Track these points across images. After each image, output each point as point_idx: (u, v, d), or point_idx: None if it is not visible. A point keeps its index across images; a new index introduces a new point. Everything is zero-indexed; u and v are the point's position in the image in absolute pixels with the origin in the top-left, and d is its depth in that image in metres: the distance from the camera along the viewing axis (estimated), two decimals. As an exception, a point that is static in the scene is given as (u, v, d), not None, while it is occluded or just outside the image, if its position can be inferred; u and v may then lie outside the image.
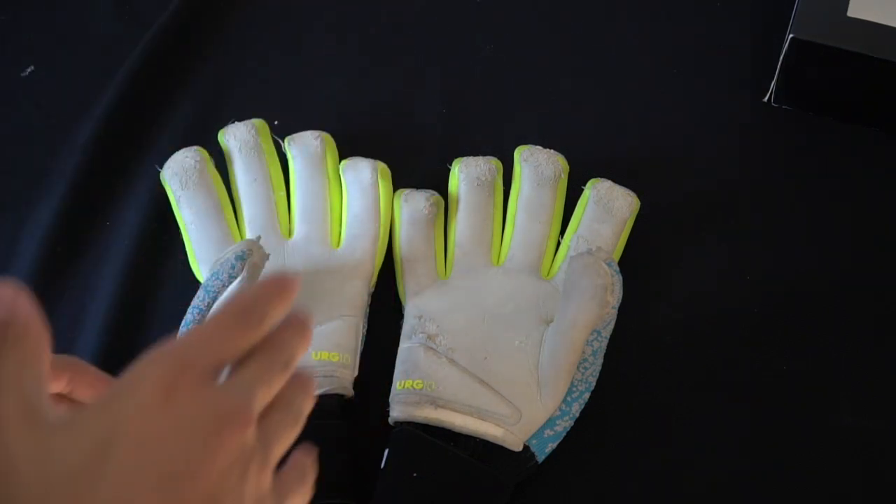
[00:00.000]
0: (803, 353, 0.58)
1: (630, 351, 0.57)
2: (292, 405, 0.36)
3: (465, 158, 0.62)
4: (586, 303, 0.53)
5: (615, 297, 0.54)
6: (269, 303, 0.35)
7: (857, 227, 0.62)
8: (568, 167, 0.62)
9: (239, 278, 0.53)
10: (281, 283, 0.35)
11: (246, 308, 0.34)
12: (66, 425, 0.30)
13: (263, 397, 0.34)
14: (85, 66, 0.70)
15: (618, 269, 0.54)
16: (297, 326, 0.36)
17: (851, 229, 0.62)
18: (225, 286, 0.53)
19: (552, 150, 0.62)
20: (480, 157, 0.62)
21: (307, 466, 0.38)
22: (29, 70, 0.70)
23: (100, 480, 0.29)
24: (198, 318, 0.53)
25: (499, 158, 0.62)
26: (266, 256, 0.54)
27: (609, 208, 0.60)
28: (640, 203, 0.61)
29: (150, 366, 0.32)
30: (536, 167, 0.61)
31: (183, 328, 0.54)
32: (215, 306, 0.54)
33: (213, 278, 0.53)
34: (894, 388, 0.57)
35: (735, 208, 0.63)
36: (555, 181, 0.61)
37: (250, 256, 0.53)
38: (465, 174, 0.61)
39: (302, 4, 0.73)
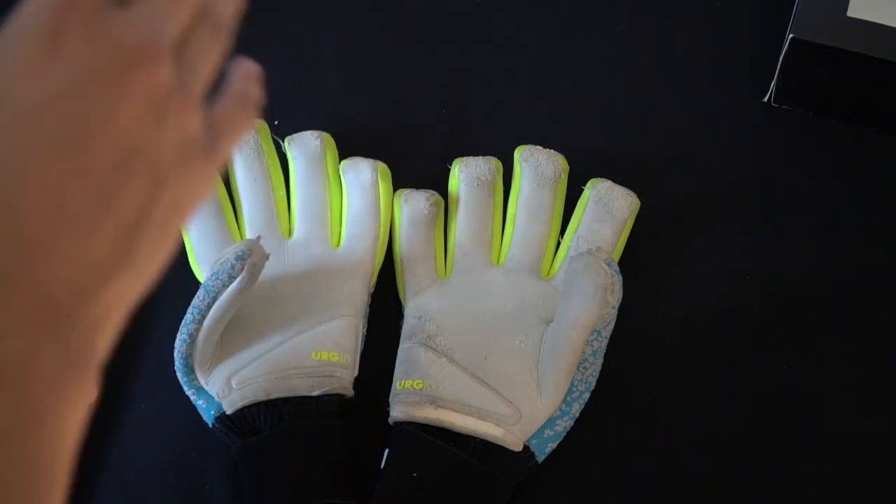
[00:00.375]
0: (803, 353, 0.58)
1: (630, 351, 0.57)
2: (211, 15, 0.30)
3: (464, 158, 0.62)
4: (586, 303, 0.53)
5: (615, 297, 0.54)
6: None
7: (858, 227, 0.62)
8: (568, 167, 0.62)
9: (239, 278, 0.53)
10: None
11: None
12: None
13: (174, 21, 0.29)
14: (84, 65, 0.70)
15: (618, 269, 0.54)
16: None
17: (852, 229, 0.62)
18: (225, 286, 0.53)
19: (552, 150, 0.62)
20: (480, 157, 0.62)
21: (249, 89, 0.32)
22: (28, 70, 0.70)
23: None
24: (198, 318, 0.53)
25: (499, 158, 0.62)
26: (266, 256, 0.54)
27: (609, 208, 0.59)
28: (640, 203, 0.60)
29: (32, 9, 0.26)
30: (536, 167, 0.61)
31: (183, 329, 0.54)
32: (215, 306, 0.53)
33: (213, 278, 0.53)
34: (894, 388, 0.57)
35: (735, 208, 0.63)
36: (555, 181, 0.61)
37: (250, 256, 0.53)
38: (464, 174, 0.61)
39: (302, 4, 0.73)
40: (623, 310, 0.55)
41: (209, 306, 0.53)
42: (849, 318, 0.59)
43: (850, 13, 0.62)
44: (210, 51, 0.30)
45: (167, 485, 0.55)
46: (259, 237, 0.55)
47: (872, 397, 0.56)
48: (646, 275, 0.60)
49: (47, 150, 0.25)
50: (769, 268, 0.61)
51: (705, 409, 0.56)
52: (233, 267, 0.53)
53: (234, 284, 0.53)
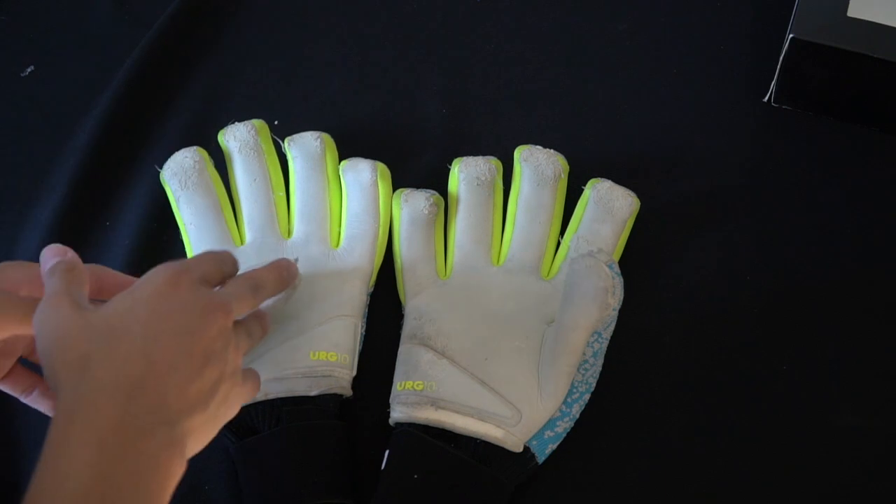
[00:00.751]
0: (803, 353, 0.58)
1: (630, 351, 0.57)
2: (252, 328, 0.49)
3: (464, 158, 0.62)
4: (587, 305, 0.53)
5: (616, 299, 0.53)
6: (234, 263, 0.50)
7: (857, 227, 0.62)
8: (568, 167, 0.62)
9: (277, 298, 0.54)
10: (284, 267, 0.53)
11: (223, 258, 0.49)
12: (103, 307, 0.44)
13: (237, 305, 0.47)
14: (85, 66, 0.70)
15: (619, 271, 0.54)
16: (271, 268, 0.52)
17: (851, 229, 0.62)
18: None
19: (552, 150, 0.62)
20: (480, 157, 0.62)
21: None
22: (29, 70, 0.70)
23: (129, 325, 0.42)
24: None
25: (498, 158, 0.62)
26: (300, 279, 0.56)
27: (609, 208, 0.59)
28: (639, 203, 0.60)
29: (160, 269, 0.45)
30: (536, 167, 0.61)
31: None
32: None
33: None
34: (894, 388, 0.57)
35: (735, 208, 0.63)
36: (555, 181, 0.61)
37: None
38: (464, 174, 0.61)
39: (302, 5, 0.73)
40: (623, 310, 0.55)
41: None
42: (849, 317, 0.59)
43: (850, 13, 0.62)
44: (248, 339, 0.49)
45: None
46: (297, 259, 0.55)
47: (872, 397, 0.56)
48: (645, 275, 0.60)
49: (170, 334, 0.43)
50: (769, 268, 0.61)
51: (705, 408, 0.56)
52: None
53: (271, 303, 0.54)
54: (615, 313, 0.54)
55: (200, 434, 0.44)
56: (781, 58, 0.63)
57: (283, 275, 0.53)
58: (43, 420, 0.50)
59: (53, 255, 0.47)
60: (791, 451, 0.55)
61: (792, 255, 0.61)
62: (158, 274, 0.45)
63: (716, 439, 0.55)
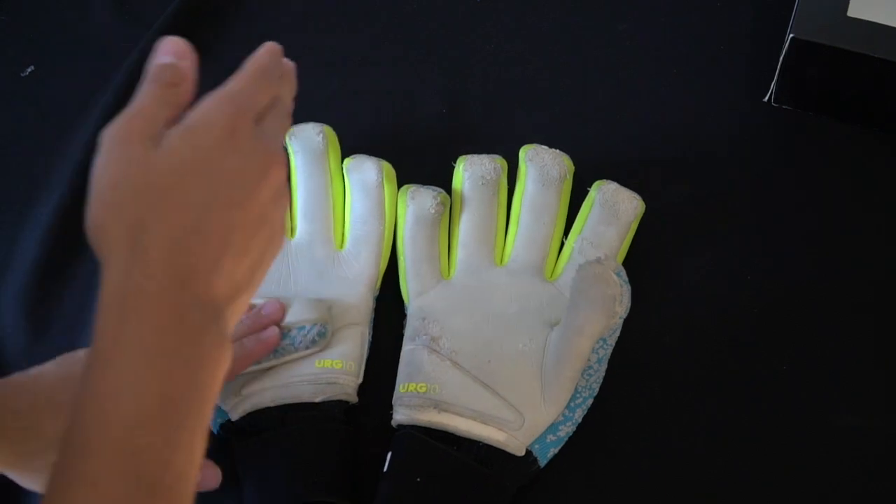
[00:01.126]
0: (803, 353, 0.58)
1: (630, 351, 0.57)
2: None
3: (469, 156, 0.61)
4: (594, 313, 0.53)
5: (623, 307, 0.53)
6: (274, 63, 0.45)
7: (858, 227, 0.62)
8: (573, 167, 0.61)
9: (313, 349, 0.56)
10: (276, 51, 0.45)
11: (263, 66, 0.44)
12: (165, 149, 0.39)
13: (285, 131, 0.45)
14: (85, 66, 0.70)
15: (626, 278, 0.54)
16: (288, 77, 0.46)
17: (852, 229, 0.62)
18: (297, 351, 0.56)
19: (558, 150, 0.61)
20: (485, 156, 0.61)
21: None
22: (29, 70, 0.70)
23: (187, 187, 0.38)
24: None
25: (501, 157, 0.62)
26: (332, 328, 0.57)
27: (614, 211, 0.59)
28: (645, 206, 0.60)
29: (216, 109, 0.40)
30: (542, 167, 0.60)
31: None
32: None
33: (286, 341, 0.56)
34: (894, 388, 0.57)
35: (735, 208, 0.63)
36: (560, 181, 0.60)
37: (328, 332, 0.56)
38: (469, 172, 0.61)
39: (302, 4, 0.73)
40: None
41: (269, 360, 0.55)
42: (848, 318, 0.59)
43: (850, 13, 0.62)
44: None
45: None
46: (330, 307, 0.57)
47: (872, 397, 0.57)
48: (646, 275, 0.60)
49: (224, 204, 0.39)
50: (769, 268, 0.61)
51: (705, 408, 0.56)
52: (314, 342, 0.55)
53: (307, 352, 0.55)
54: (621, 321, 0.54)
55: (240, 311, 0.41)
56: (781, 58, 0.63)
57: (289, 77, 0.46)
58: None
59: (167, 51, 0.42)
60: (791, 451, 0.55)
61: (792, 255, 0.61)
62: (217, 113, 0.40)
63: (716, 439, 0.56)
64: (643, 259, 0.60)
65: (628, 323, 0.56)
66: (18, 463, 0.47)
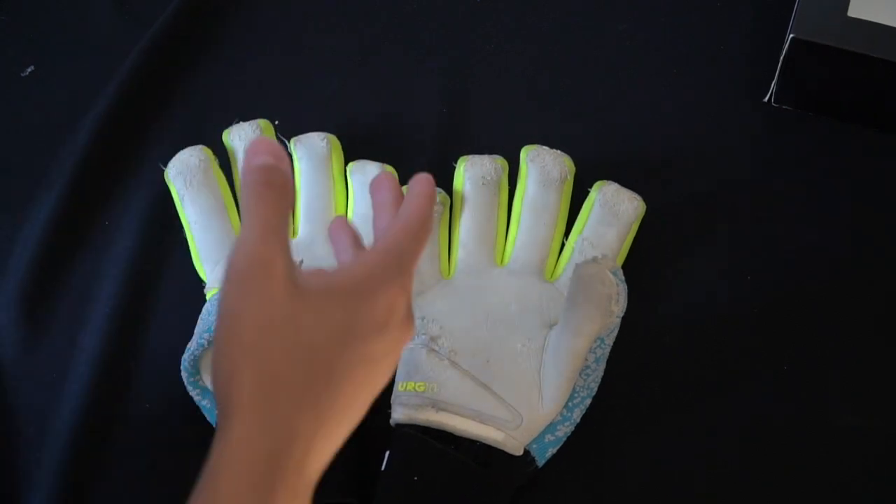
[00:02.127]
0: (803, 352, 0.58)
1: (630, 351, 0.57)
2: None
3: (470, 157, 0.61)
4: (591, 312, 0.53)
5: (620, 306, 0.53)
6: (430, 216, 0.41)
7: (858, 227, 0.62)
8: (574, 168, 0.61)
9: None
10: (433, 192, 0.42)
11: (425, 226, 0.41)
12: (316, 305, 0.36)
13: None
14: (85, 66, 0.70)
15: (623, 278, 0.54)
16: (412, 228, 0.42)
17: (852, 229, 0.62)
18: None
19: (559, 151, 0.61)
20: (486, 156, 0.61)
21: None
22: (29, 70, 0.70)
23: (333, 360, 0.36)
24: None
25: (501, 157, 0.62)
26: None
27: (615, 212, 0.59)
28: (646, 207, 0.60)
29: (384, 280, 0.38)
30: (543, 168, 0.60)
31: (204, 335, 0.54)
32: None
33: None
34: (894, 388, 0.57)
35: (735, 208, 0.63)
36: (560, 182, 0.60)
37: None
38: (470, 173, 0.61)
39: (302, 4, 0.73)
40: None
41: None
42: (848, 318, 0.59)
43: (851, 13, 0.62)
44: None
45: (170, 485, 0.55)
46: (301, 261, 0.55)
47: (872, 397, 0.56)
48: (645, 275, 0.60)
49: (364, 383, 0.37)
50: (769, 268, 0.61)
51: (706, 409, 0.56)
52: None
53: None
54: (618, 320, 0.54)
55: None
56: (781, 58, 0.63)
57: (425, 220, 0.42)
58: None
59: (262, 151, 0.37)
60: (791, 451, 0.55)
61: (792, 254, 0.61)
62: (380, 288, 0.38)
63: (715, 439, 0.56)
64: (643, 259, 0.60)
65: (628, 323, 0.56)
66: None
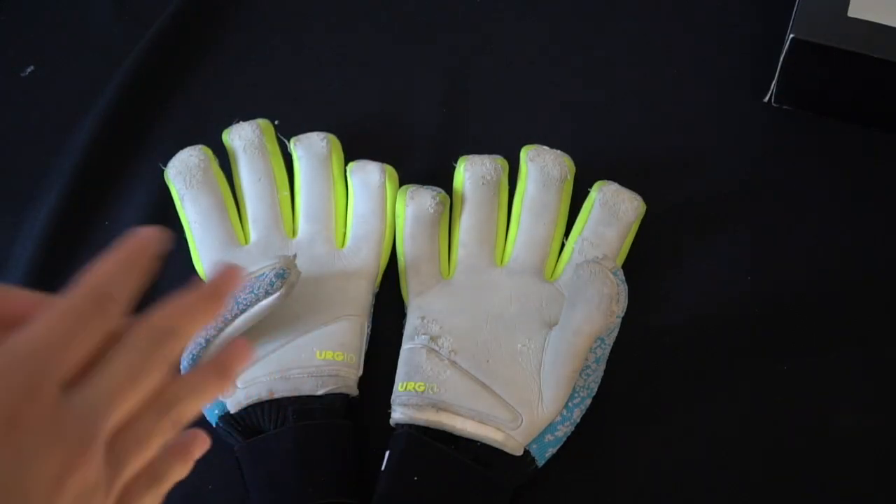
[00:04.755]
0: (804, 352, 0.58)
1: (630, 351, 0.57)
2: (163, 402, 0.31)
3: (470, 157, 0.61)
4: (591, 312, 0.53)
5: (620, 306, 0.53)
6: (125, 281, 0.31)
7: (858, 227, 0.62)
8: (574, 168, 0.61)
9: (276, 294, 0.53)
10: (135, 256, 0.32)
11: (103, 291, 0.30)
12: None
13: (119, 407, 0.30)
14: (85, 66, 0.70)
15: (623, 278, 0.54)
16: (176, 314, 0.32)
17: (852, 229, 0.62)
18: (259, 300, 0.53)
19: (559, 151, 0.61)
20: (486, 156, 0.61)
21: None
22: (29, 70, 0.70)
23: None
24: (220, 326, 0.54)
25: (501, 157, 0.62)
26: (299, 274, 0.55)
27: (615, 212, 0.59)
28: (646, 207, 0.60)
29: (2, 380, 0.28)
30: (543, 168, 0.60)
31: (199, 334, 0.54)
32: (243, 317, 0.53)
33: (247, 292, 0.54)
34: (893, 389, 0.57)
35: (735, 208, 0.63)
36: (561, 182, 0.60)
37: (289, 275, 0.54)
38: (470, 172, 0.61)
39: (302, 5, 0.73)
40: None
41: (236, 317, 0.54)
42: (849, 317, 0.59)
43: (851, 13, 0.62)
44: (149, 437, 0.31)
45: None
46: (295, 255, 0.55)
47: (872, 397, 0.56)
48: (645, 275, 0.60)
49: None
50: (769, 268, 0.61)
51: (705, 409, 0.56)
52: (272, 284, 0.53)
53: (270, 300, 0.53)
54: (619, 320, 0.54)
55: None
56: (781, 58, 0.63)
57: (198, 314, 0.33)
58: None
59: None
60: (791, 451, 0.55)
61: (792, 255, 0.61)
62: (6, 390, 0.28)
63: (715, 439, 0.55)
64: (643, 259, 0.60)
65: (628, 323, 0.56)
66: None
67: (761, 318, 0.59)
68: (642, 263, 0.60)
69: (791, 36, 0.61)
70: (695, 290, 0.60)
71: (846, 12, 0.62)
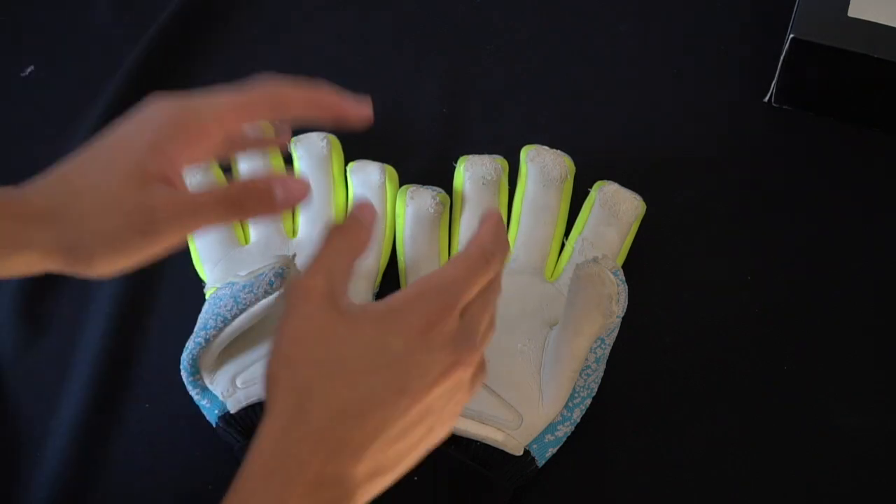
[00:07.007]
0: (803, 353, 0.58)
1: (630, 351, 0.57)
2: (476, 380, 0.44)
3: (470, 157, 0.61)
4: (591, 312, 0.53)
5: (620, 307, 0.53)
6: (497, 246, 0.43)
7: (857, 227, 0.62)
8: (574, 168, 0.61)
9: (276, 294, 0.53)
10: (500, 224, 0.44)
11: (486, 252, 0.42)
12: (350, 322, 0.40)
13: (486, 332, 0.43)
14: (85, 66, 0.70)
15: (623, 278, 0.54)
16: (500, 257, 0.43)
17: (851, 229, 0.62)
18: (258, 300, 0.53)
19: (559, 151, 0.61)
20: (486, 156, 0.61)
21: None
22: (29, 70, 0.70)
23: (363, 368, 0.39)
24: (220, 325, 0.53)
25: (501, 157, 0.62)
26: (299, 274, 0.54)
27: (615, 212, 0.59)
28: (645, 206, 0.60)
29: (421, 301, 0.41)
30: (543, 168, 0.60)
31: (200, 333, 0.54)
32: (242, 316, 0.54)
33: (246, 291, 0.54)
34: (892, 390, 0.57)
35: (735, 208, 0.63)
36: (560, 182, 0.60)
37: (288, 275, 0.54)
38: (470, 173, 0.61)
39: (302, 6, 0.73)
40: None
41: (235, 316, 0.54)
42: (849, 318, 0.59)
43: (851, 13, 0.62)
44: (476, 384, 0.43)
45: (171, 484, 0.55)
46: (294, 255, 0.55)
47: (872, 397, 0.56)
48: (646, 274, 0.60)
49: (394, 392, 0.39)
50: (769, 267, 0.61)
51: (706, 409, 0.56)
52: (271, 283, 0.53)
53: (270, 299, 0.54)
54: (618, 320, 0.54)
55: (375, 492, 0.41)
56: (782, 58, 0.63)
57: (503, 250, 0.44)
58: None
59: (361, 214, 0.43)
60: (791, 452, 0.55)
61: (792, 254, 0.61)
62: (421, 306, 0.40)
63: (716, 439, 0.56)
64: (643, 259, 0.60)
65: (628, 323, 0.56)
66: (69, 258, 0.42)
67: (761, 318, 0.59)
68: (642, 263, 0.60)
69: (791, 36, 0.61)
70: (695, 289, 0.60)
71: (846, 12, 0.62)
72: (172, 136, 0.43)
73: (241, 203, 0.43)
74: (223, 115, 0.44)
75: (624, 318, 0.55)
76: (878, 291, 0.60)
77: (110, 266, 0.42)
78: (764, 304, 0.59)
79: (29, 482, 0.55)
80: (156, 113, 0.43)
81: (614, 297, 0.53)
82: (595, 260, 0.54)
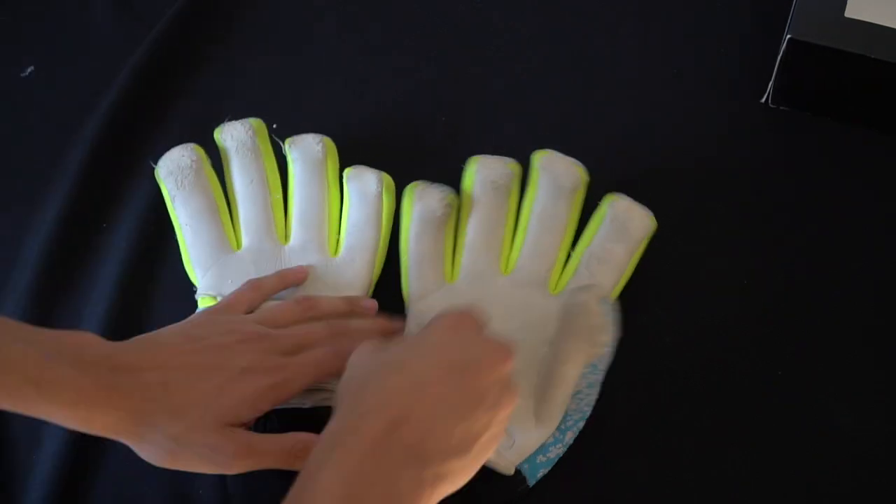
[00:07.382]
0: (803, 353, 0.58)
1: (630, 352, 0.57)
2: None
3: (482, 157, 0.60)
4: (578, 342, 0.53)
5: (608, 337, 0.53)
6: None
7: (857, 227, 0.62)
8: (587, 178, 0.60)
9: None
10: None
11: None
12: (392, 347, 0.47)
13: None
14: (85, 66, 0.70)
15: (612, 308, 0.53)
16: None
17: (851, 229, 0.62)
18: None
19: (572, 159, 0.60)
20: (499, 158, 0.60)
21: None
22: (29, 70, 0.70)
23: (402, 366, 0.45)
24: None
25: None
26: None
27: (625, 228, 0.58)
28: (656, 224, 0.59)
29: (442, 315, 0.49)
30: (555, 177, 0.59)
31: None
32: None
33: None
34: (892, 390, 0.57)
35: (733, 208, 0.63)
36: (572, 192, 0.59)
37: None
38: (481, 175, 0.59)
39: (302, 7, 0.73)
40: (623, 311, 0.56)
41: None
42: (848, 318, 0.59)
43: (848, 14, 0.62)
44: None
45: (161, 489, 0.55)
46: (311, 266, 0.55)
47: (872, 397, 0.57)
48: (645, 276, 0.60)
49: (445, 370, 0.45)
50: (769, 268, 0.61)
51: (705, 410, 0.56)
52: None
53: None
54: (608, 350, 0.54)
55: (456, 477, 0.45)
56: (779, 58, 0.63)
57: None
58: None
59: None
60: (791, 452, 0.55)
61: (791, 255, 0.61)
62: (441, 320, 0.48)
63: (716, 440, 0.56)
64: (643, 259, 0.60)
65: (628, 324, 0.56)
66: (137, 431, 0.48)
67: (761, 319, 0.59)
68: (642, 264, 0.60)
69: (788, 36, 0.61)
70: (695, 290, 0.60)
71: (843, 13, 0.62)
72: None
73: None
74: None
75: (624, 318, 0.55)
76: (878, 292, 0.60)
77: (157, 462, 0.48)
78: (764, 305, 0.59)
79: (28, 482, 0.55)
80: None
81: (602, 329, 0.52)
82: (585, 288, 0.53)
